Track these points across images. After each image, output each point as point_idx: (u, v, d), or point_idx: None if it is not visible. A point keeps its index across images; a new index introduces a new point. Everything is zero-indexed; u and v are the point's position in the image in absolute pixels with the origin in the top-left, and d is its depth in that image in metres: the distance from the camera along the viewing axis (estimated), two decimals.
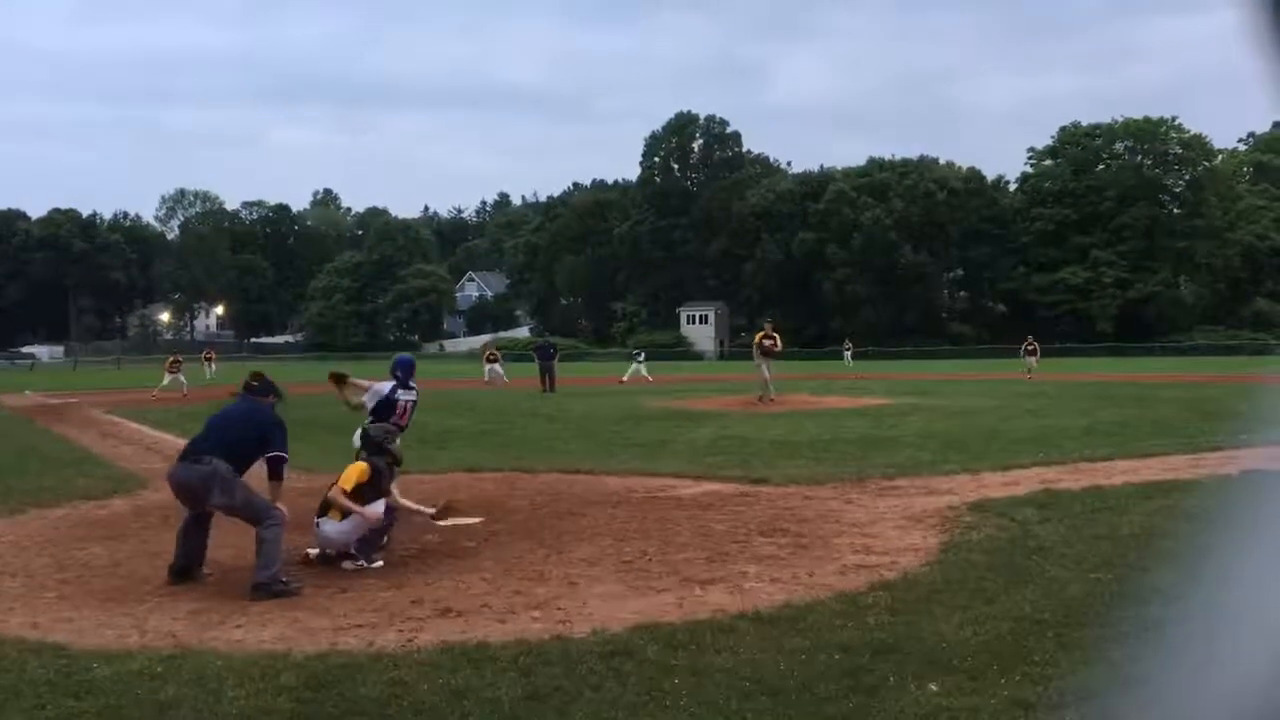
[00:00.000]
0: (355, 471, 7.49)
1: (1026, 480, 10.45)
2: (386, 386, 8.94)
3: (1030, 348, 39.93)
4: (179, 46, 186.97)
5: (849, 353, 57.91)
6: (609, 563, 7.20)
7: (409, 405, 9.04)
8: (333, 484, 7.60)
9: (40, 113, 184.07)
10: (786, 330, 40.15)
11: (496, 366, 39.64)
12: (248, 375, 7.61)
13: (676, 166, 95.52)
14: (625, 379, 37.77)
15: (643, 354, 41.48)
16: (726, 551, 7.47)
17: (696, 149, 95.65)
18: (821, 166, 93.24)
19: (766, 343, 23.92)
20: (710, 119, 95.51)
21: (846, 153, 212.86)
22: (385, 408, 8.80)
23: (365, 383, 9.12)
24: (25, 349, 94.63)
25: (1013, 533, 7.81)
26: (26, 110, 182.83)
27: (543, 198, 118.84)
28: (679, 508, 9.43)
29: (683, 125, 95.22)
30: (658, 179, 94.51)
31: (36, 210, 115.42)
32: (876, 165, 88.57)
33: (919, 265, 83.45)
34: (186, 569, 6.94)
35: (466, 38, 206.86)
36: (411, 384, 9.15)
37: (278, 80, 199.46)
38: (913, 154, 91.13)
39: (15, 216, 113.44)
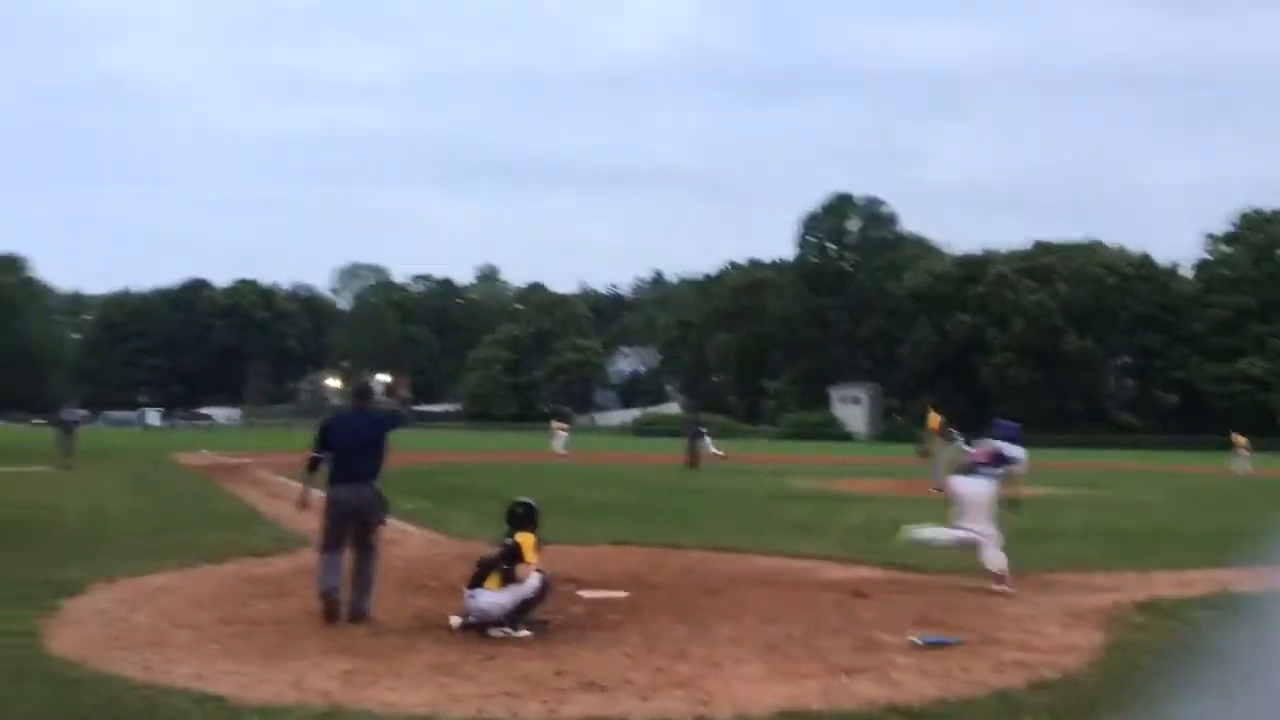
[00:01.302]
0: (529, 543, 7.63)
1: (1201, 581, 9.85)
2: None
3: (1240, 443, 37.04)
4: (352, 126, 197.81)
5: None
6: (753, 644, 7.09)
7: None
8: (487, 553, 7.77)
9: (225, 188, 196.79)
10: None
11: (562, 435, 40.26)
12: (356, 385, 8.15)
13: (832, 246, 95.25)
14: (692, 458, 32.43)
15: (704, 429, 37.84)
16: (876, 639, 7.26)
17: (853, 228, 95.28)
18: (984, 250, 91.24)
19: (935, 426, 22.84)
20: (867, 199, 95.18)
21: (1007, 234, 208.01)
22: None
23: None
24: (204, 410, 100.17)
25: (1184, 636, 7.36)
26: (213, 186, 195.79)
27: (697, 275, 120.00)
28: (827, 591, 9.24)
29: (839, 204, 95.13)
30: (813, 258, 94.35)
31: (221, 280, 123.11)
32: (1042, 249, 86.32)
33: (1084, 351, 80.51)
34: (334, 590, 7.67)
35: (625, 117, 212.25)
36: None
37: (444, 159, 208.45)
38: (1077, 237, 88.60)
39: (202, 286, 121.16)
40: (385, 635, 7.24)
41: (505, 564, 7.51)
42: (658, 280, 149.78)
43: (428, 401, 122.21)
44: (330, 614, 7.63)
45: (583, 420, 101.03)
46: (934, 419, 23.22)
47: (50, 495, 18.22)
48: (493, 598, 7.41)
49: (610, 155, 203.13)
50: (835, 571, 10.41)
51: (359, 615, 7.68)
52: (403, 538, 12.11)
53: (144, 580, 9.33)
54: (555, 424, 42.99)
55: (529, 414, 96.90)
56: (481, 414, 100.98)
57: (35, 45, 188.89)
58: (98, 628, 7.36)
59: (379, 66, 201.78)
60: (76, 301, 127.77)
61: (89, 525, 13.88)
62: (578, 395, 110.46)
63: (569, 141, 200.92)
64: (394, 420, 8.45)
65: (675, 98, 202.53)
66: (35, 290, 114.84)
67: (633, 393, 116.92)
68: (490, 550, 7.87)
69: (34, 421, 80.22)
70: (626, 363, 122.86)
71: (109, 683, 5.85)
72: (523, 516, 7.86)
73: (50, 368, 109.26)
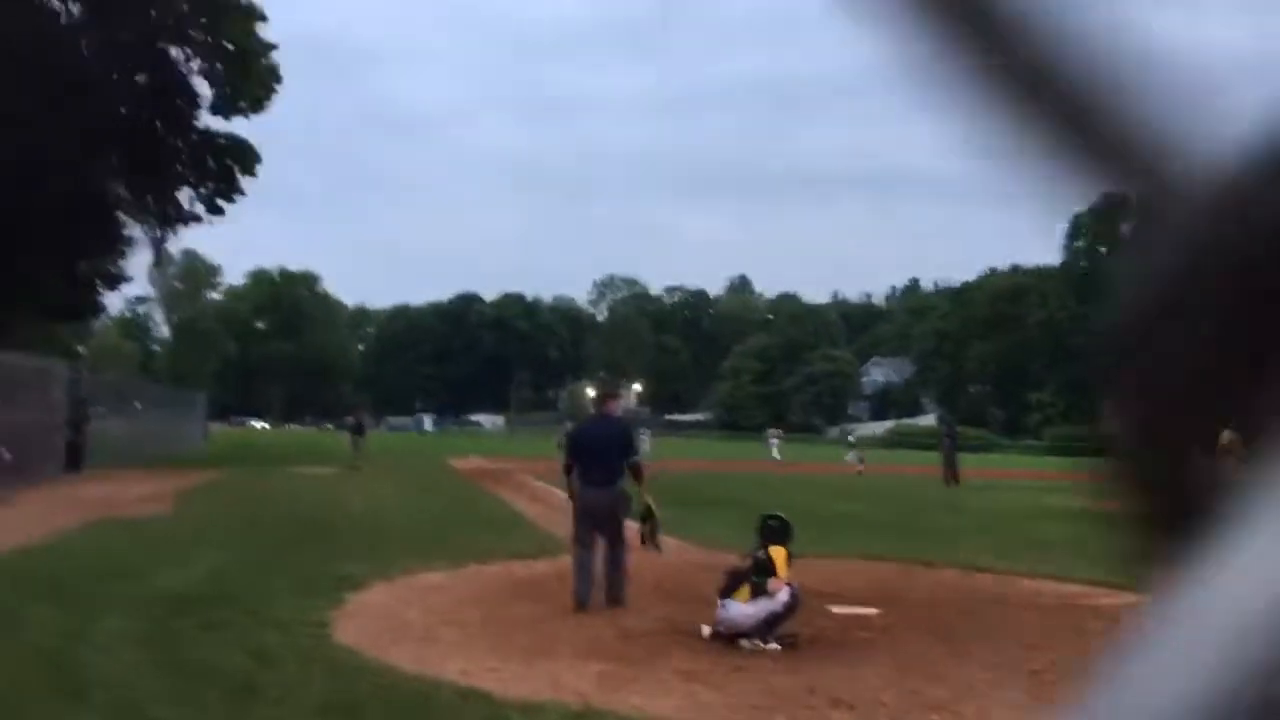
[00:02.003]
0: (782, 557, 7.66)
1: None
2: None
3: None
4: (606, 141, 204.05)
5: None
6: (1013, 670, 6.80)
7: None
8: (737, 564, 7.85)
9: (489, 205, 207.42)
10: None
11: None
12: (597, 394, 9.34)
13: (1103, 249, 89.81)
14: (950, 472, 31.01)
15: (775, 436, 35.33)
16: None
17: (1126, 230, 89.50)
18: None
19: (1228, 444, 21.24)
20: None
21: None
22: None
23: None
24: (473, 417, 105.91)
25: None
26: (478, 204, 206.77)
27: (954, 282, 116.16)
28: (1097, 618, 8.73)
29: (1110, 206, 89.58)
30: (1082, 263, 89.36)
31: (489, 293, 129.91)
32: None
33: None
34: (587, 596, 8.45)
35: (871, 123, 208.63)
36: None
37: (696, 171, 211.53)
38: None
39: (472, 300, 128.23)
40: (636, 640, 7.43)
41: (756, 576, 7.55)
42: (912, 288, 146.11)
43: (679, 411, 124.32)
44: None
45: (833, 432, 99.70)
46: (1228, 437, 21.59)
47: (339, 495, 19.79)
48: (743, 609, 7.46)
49: (862, 161, 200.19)
50: (1107, 598, 9.81)
51: (615, 601, 8.49)
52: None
53: (418, 578, 9.97)
54: (771, 432, 42.46)
55: (778, 424, 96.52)
56: (731, 424, 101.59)
57: (316, 78, 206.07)
58: (377, 621, 7.94)
59: (629, 82, 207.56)
60: (361, 315, 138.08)
61: (371, 524, 14.96)
62: (829, 406, 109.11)
63: (820, 148, 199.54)
64: (629, 433, 9.55)
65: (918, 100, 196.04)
66: (327, 304, 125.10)
67: (885, 404, 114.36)
68: (741, 562, 7.93)
69: (325, 426, 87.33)
70: (879, 373, 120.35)
71: (386, 673, 6.30)
72: (776, 530, 7.88)
73: (339, 376, 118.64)
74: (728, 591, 7.59)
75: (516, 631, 7.71)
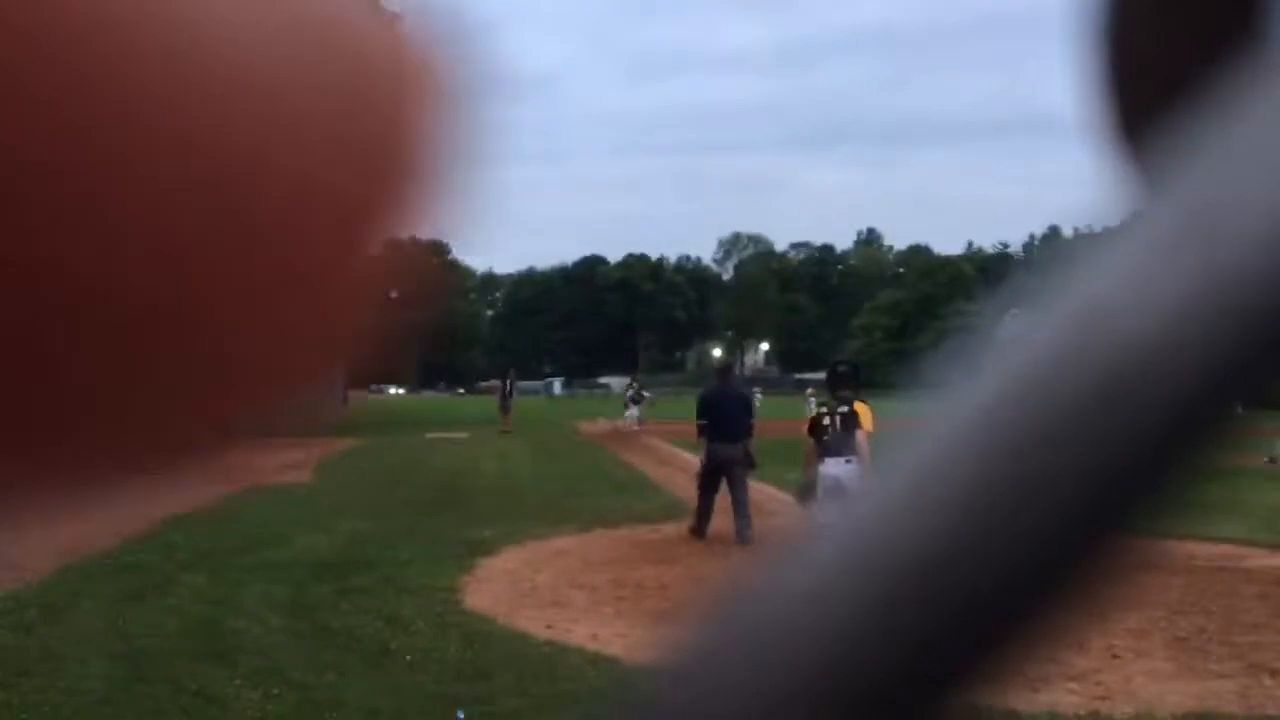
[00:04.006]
0: (867, 411, 7.52)
1: None
2: None
3: None
4: (726, 96, 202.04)
5: None
6: (1160, 637, 6.51)
7: None
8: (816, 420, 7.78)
9: (611, 166, 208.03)
10: None
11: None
12: (718, 365, 10.92)
13: None
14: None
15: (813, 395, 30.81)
16: None
17: None
18: None
19: None
20: None
21: None
22: None
23: None
24: (601, 379, 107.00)
25: None
26: (599, 165, 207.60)
27: (1097, 229, 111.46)
28: (1249, 581, 8.30)
29: None
30: None
31: (614, 255, 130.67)
32: None
33: None
34: (704, 532, 10.08)
35: (998, 68, 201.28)
36: None
37: (818, 124, 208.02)
38: None
39: (596, 262, 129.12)
40: None
41: (844, 429, 7.32)
42: (1053, 236, 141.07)
43: (810, 369, 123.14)
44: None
45: None
46: None
47: (472, 460, 20.23)
48: (848, 469, 7.21)
49: (992, 107, 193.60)
50: (1260, 559, 9.33)
51: (744, 540, 9.41)
52: (781, 508, 12.26)
53: (547, 543, 10.11)
54: (809, 391, 39.94)
55: (911, 382, 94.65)
56: (865, 382, 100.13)
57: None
58: (506, 586, 8.08)
59: (748, 35, 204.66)
60: (489, 281, 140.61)
61: (502, 488, 15.26)
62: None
63: (946, 95, 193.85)
64: (747, 398, 11.25)
65: (1060, 37, 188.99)
66: (456, 271, 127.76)
67: None
68: (820, 418, 7.72)
69: (457, 392, 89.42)
70: (1019, 327, 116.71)
71: (516, 639, 6.40)
72: (846, 375, 7.81)
73: (469, 342, 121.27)
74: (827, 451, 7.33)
75: (643, 596, 7.75)
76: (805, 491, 7.82)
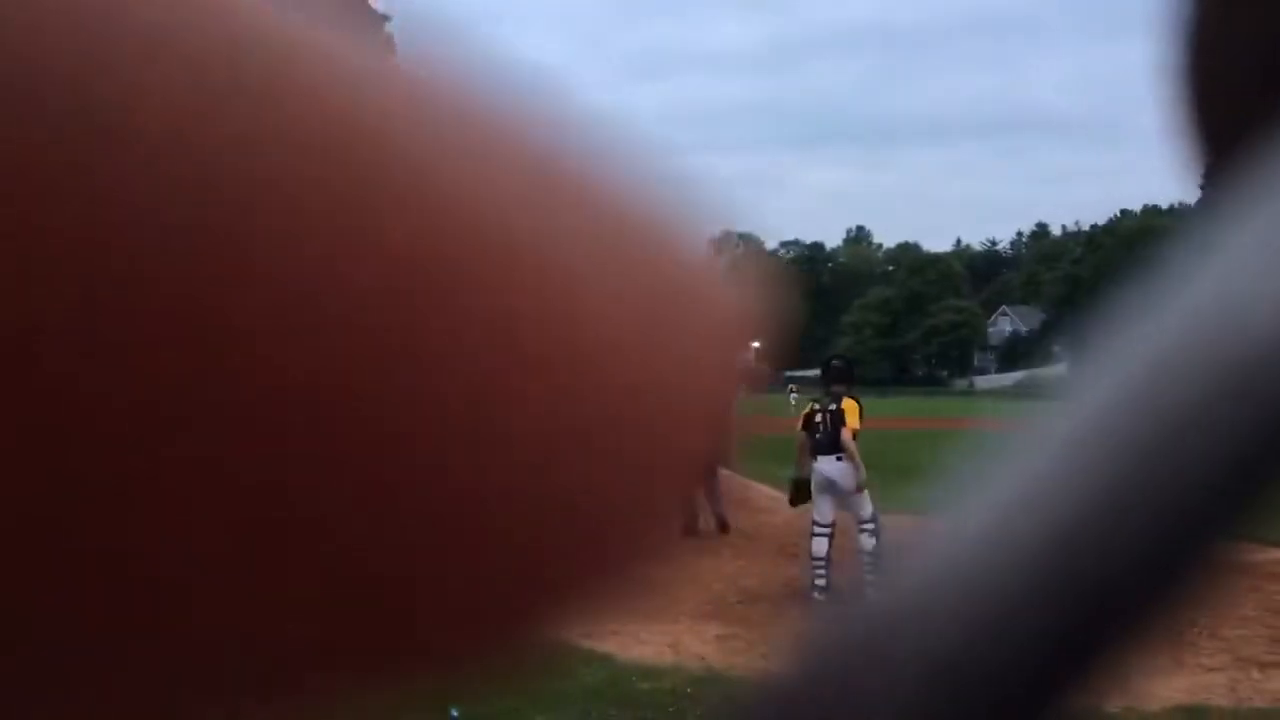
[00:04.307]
0: (854, 408, 7.53)
1: None
2: None
3: None
4: (716, 95, 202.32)
5: None
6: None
7: None
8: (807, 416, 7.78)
9: None
10: None
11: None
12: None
13: None
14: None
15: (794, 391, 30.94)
16: None
17: None
18: None
19: None
20: None
21: None
22: None
23: None
24: None
25: None
26: None
27: (1084, 227, 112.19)
28: (1241, 575, 8.34)
29: None
30: None
31: None
32: None
33: None
34: (697, 522, 8.94)
35: (988, 68, 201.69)
36: None
37: (808, 122, 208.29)
38: None
39: None
40: (756, 603, 7.40)
41: (831, 427, 7.32)
42: (1041, 234, 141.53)
43: (801, 367, 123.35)
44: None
45: (960, 384, 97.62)
46: None
47: None
48: (838, 466, 7.23)
49: (980, 106, 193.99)
50: (1253, 553, 9.37)
51: (723, 526, 9.66)
52: (775, 504, 12.28)
53: None
54: (790, 386, 39.27)
55: (902, 378, 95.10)
56: (856, 378, 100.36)
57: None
58: None
59: (735, 34, 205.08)
60: None
61: None
62: (955, 358, 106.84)
63: (935, 95, 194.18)
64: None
65: (1049, 38, 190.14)
66: None
67: (1014, 355, 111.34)
68: (810, 413, 7.71)
69: None
70: (1007, 323, 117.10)
71: None
72: (840, 370, 7.75)
73: None
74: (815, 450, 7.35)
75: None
76: (799, 487, 7.82)
